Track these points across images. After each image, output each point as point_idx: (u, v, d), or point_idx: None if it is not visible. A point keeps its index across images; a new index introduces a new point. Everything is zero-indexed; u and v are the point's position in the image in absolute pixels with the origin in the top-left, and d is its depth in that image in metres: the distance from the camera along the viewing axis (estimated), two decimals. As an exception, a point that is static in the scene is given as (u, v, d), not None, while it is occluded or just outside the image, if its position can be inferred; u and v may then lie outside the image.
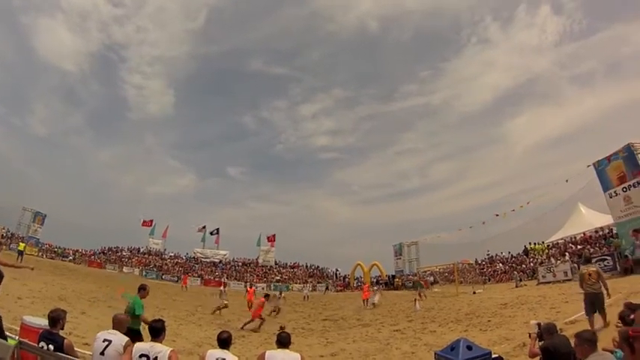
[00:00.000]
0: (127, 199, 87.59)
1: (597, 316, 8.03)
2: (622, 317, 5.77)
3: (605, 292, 8.21)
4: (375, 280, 40.67)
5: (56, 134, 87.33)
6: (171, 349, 3.90)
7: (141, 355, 3.75)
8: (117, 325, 4.36)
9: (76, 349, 4.44)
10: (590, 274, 8.45)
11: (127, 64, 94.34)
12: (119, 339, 4.09)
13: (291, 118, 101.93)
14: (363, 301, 22.64)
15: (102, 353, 4.00)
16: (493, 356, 5.38)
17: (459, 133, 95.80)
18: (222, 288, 24.13)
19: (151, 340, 3.98)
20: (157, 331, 4.06)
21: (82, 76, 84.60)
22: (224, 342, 4.18)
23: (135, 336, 4.97)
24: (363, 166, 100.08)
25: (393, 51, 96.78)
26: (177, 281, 39.29)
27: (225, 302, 18.48)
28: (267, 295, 15.81)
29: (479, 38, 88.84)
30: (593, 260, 19.32)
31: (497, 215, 33.12)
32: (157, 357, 3.74)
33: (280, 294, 25.45)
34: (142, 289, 6.76)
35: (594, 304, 8.12)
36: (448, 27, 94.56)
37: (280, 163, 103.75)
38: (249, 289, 23.92)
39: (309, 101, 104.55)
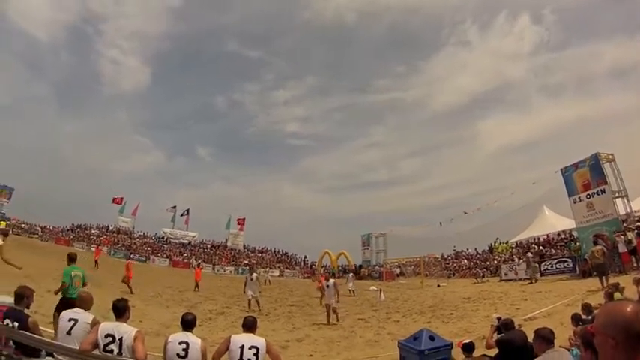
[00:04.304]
0: (94, 176, 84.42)
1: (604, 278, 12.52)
2: (575, 318, 6.27)
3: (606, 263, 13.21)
4: (342, 269, 40.78)
5: (19, 102, 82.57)
6: (137, 329, 3.86)
7: (107, 335, 3.69)
8: (81, 303, 4.34)
9: (41, 327, 4.34)
10: (597, 251, 13.41)
11: (103, 38, 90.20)
12: (85, 317, 4.10)
13: (262, 103, 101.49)
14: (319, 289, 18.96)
15: (69, 332, 3.97)
16: (465, 341, 5.67)
17: (429, 131, 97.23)
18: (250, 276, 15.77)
19: (116, 320, 3.90)
20: (120, 311, 3.96)
21: (54, 46, 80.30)
22: (188, 324, 4.12)
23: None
24: (330, 156, 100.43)
25: (370, 44, 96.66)
26: (145, 261, 38.63)
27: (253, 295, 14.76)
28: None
29: (458, 39, 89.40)
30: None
31: (465, 213, 33.82)
32: (122, 337, 3.69)
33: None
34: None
35: (600, 271, 12.91)
36: (428, 25, 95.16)
37: (249, 147, 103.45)
38: (197, 268, 23.15)
39: (281, 87, 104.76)
